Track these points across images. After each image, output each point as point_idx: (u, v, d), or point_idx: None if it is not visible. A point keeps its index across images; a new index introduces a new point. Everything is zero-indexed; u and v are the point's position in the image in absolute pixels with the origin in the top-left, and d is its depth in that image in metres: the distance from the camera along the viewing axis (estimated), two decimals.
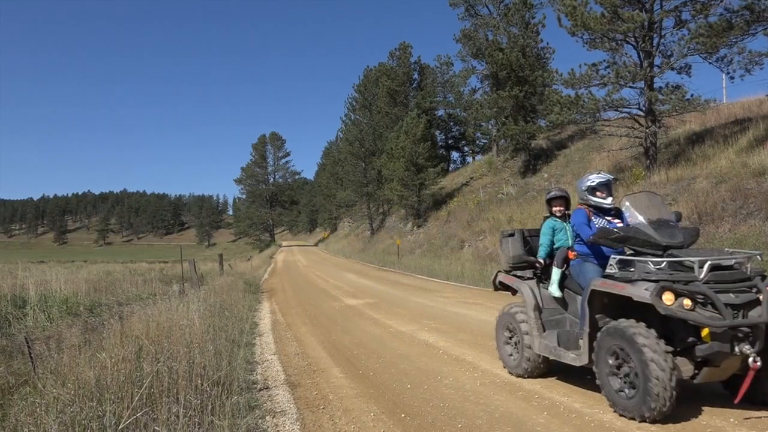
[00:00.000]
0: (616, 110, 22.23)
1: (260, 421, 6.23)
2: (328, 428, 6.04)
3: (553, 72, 24.92)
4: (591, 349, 6.03)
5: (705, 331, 5.25)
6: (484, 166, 43.91)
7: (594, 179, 6.76)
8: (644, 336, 5.35)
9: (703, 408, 5.82)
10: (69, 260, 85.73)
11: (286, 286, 24.19)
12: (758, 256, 5.83)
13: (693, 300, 5.23)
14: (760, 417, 5.50)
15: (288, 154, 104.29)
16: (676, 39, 20.80)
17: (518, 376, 7.48)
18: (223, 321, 10.93)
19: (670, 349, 5.35)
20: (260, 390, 7.56)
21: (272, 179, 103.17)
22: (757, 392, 5.57)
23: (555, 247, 7.38)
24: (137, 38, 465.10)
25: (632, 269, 5.82)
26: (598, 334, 5.89)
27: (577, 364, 6.36)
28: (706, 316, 5.16)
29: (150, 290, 18.76)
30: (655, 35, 21.01)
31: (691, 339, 5.42)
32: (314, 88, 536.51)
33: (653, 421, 5.38)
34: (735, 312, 5.18)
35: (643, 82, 21.08)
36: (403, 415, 6.27)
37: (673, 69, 21.15)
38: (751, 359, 5.12)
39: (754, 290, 5.36)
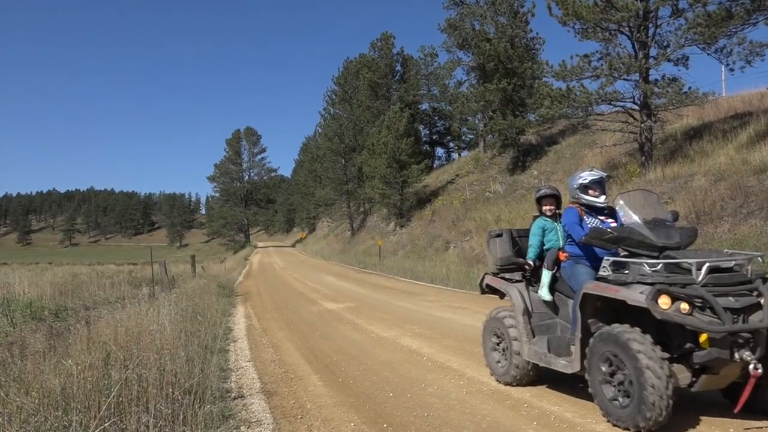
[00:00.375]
0: (610, 104, 22.25)
1: (235, 431, 6.20)
2: None
3: (543, 63, 25.00)
4: (583, 356, 6.01)
5: (703, 337, 5.24)
6: (471, 162, 43.97)
7: (586, 176, 6.74)
8: (639, 342, 5.33)
9: (702, 418, 5.83)
10: (33, 262, 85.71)
11: (262, 290, 24.14)
12: (759, 258, 5.84)
13: (690, 304, 5.22)
14: (761, 428, 5.51)
15: (264, 150, 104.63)
16: (673, 29, 20.84)
17: (506, 384, 7.46)
18: (195, 326, 10.85)
19: (667, 355, 5.33)
20: (234, 399, 7.52)
21: (247, 177, 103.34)
22: (758, 401, 5.56)
23: (545, 248, 7.37)
24: (103, 26, 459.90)
25: (626, 271, 5.81)
26: (591, 340, 5.87)
27: (569, 371, 6.35)
28: (705, 321, 5.16)
29: (118, 293, 18.76)
30: (650, 25, 21.00)
31: (688, 345, 5.41)
32: (291, 81, 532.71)
33: None
34: (735, 316, 5.18)
35: (638, 74, 21.09)
36: (385, 425, 6.23)
37: (669, 60, 21.20)
38: (751, 366, 5.12)
39: (755, 293, 5.36)
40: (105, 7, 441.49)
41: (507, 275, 7.73)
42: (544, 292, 7.10)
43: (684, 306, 5.20)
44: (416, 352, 9.97)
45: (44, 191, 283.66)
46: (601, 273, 6.07)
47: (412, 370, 8.65)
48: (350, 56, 70.50)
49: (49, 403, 5.59)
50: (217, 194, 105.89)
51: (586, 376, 5.94)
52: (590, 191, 6.72)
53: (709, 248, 12.44)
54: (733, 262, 5.57)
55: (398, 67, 58.18)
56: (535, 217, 7.64)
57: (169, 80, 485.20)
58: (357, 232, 56.23)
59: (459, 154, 61.45)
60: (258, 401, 7.42)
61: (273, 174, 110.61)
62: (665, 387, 5.14)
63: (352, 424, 6.36)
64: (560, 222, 7.16)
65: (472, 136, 56.95)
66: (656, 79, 21.20)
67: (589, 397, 6.01)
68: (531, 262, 7.44)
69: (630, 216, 6.16)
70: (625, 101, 21.87)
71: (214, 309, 14.75)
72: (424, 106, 59.58)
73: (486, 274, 8.12)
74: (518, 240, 7.80)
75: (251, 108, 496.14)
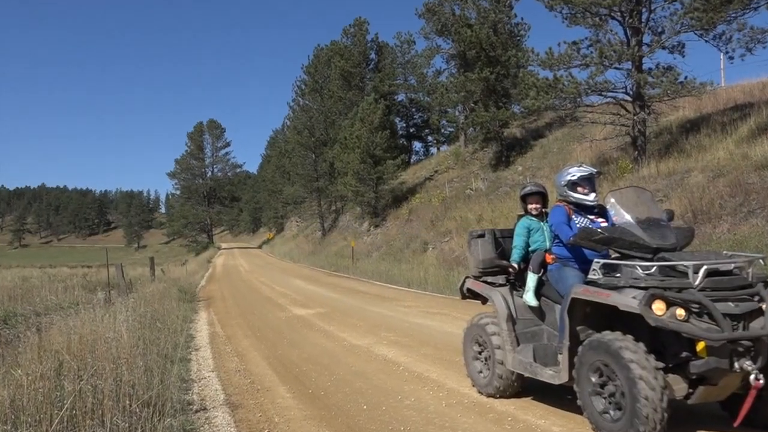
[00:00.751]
0: (600, 94, 22.37)
1: None
2: None
3: (528, 51, 25.11)
4: (571, 366, 5.98)
5: (701, 345, 5.22)
6: (451, 158, 44.13)
7: (575, 173, 6.74)
8: (632, 350, 5.30)
9: None
10: None
11: (226, 294, 24.14)
12: (761, 260, 5.83)
13: (687, 309, 5.21)
14: None
15: (228, 145, 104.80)
16: (668, 14, 20.77)
17: (489, 395, 7.44)
18: (154, 333, 10.87)
19: (662, 365, 5.32)
20: (197, 411, 7.52)
21: (210, 173, 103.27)
22: (759, 414, 5.55)
23: (531, 249, 7.36)
24: (54, 13, 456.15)
25: (618, 275, 5.79)
26: (580, 349, 5.84)
27: (556, 382, 6.33)
28: (702, 328, 5.14)
29: (72, 298, 18.95)
30: (644, 9, 21.04)
31: (684, 354, 5.40)
32: (257, 70, 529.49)
33: None
34: (735, 323, 5.16)
35: (630, 62, 21.15)
36: None
37: (664, 48, 21.29)
38: (752, 377, 5.10)
39: (756, 299, 5.35)
40: None
41: (490, 279, 7.68)
42: (529, 297, 7.07)
43: (680, 312, 5.18)
44: (392, 361, 9.96)
45: None
46: (591, 276, 6.05)
47: (388, 381, 8.63)
48: (321, 43, 70.36)
49: None
50: (178, 192, 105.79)
51: (575, 388, 5.91)
52: (579, 188, 6.71)
53: (707, 250, 12.47)
54: (733, 265, 5.56)
55: (372, 55, 58.17)
56: (520, 216, 7.62)
57: (126, 70, 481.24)
58: (328, 232, 56.29)
59: (438, 149, 61.76)
60: (222, 414, 7.41)
61: (238, 170, 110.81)
62: (660, 399, 5.11)
63: None
64: (547, 221, 7.16)
65: (452, 130, 56.90)
66: (650, 68, 21.28)
67: (578, 410, 5.98)
68: (515, 265, 7.41)
69: (622, 215, 6.14)
70: (616, 92, 21.99)
71: (174, 315, 14.76)
72: (401, 96, 59.66)
73: (467, 277, 8.10)
74: (502, 241, 7.78)
75: (214, 99, 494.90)
